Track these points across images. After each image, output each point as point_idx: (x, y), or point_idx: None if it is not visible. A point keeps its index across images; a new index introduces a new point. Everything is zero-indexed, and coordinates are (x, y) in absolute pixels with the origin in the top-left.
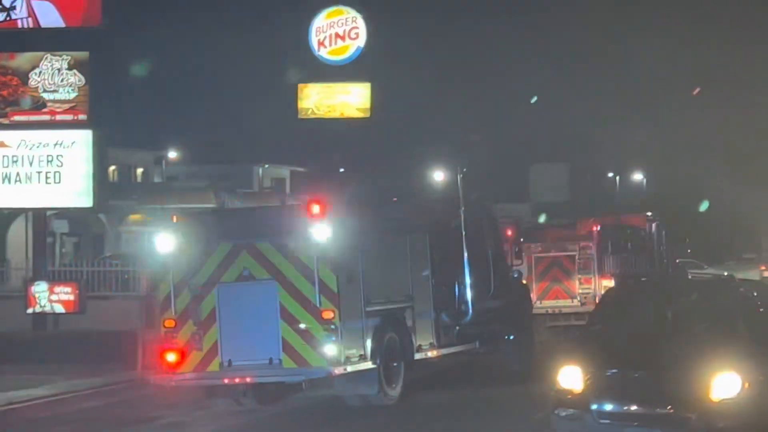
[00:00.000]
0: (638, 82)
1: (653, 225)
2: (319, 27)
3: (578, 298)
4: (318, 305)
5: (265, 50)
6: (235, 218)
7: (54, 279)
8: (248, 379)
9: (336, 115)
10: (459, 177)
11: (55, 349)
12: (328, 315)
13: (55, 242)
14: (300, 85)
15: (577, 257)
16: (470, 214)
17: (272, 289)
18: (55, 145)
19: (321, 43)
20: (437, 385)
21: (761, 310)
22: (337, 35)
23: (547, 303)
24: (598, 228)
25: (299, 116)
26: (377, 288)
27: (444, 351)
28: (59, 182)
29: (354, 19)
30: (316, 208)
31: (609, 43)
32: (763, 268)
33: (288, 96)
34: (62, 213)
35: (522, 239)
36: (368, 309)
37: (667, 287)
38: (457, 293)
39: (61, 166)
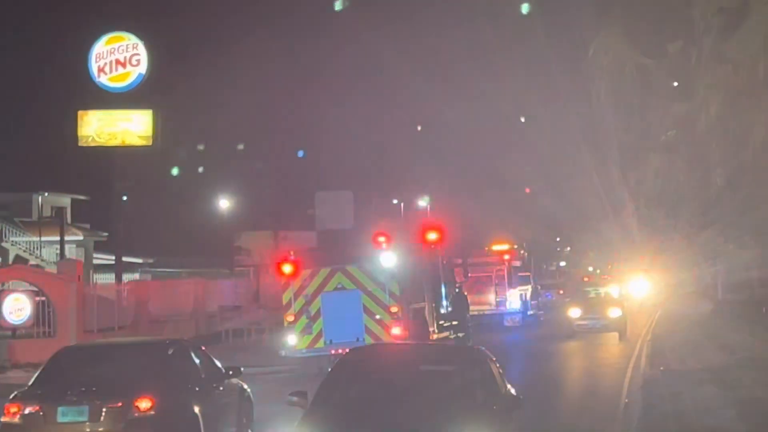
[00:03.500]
0: (422, 109)
1: (525, 254)
2: (99, 53)
3: (494, 304)
4: (388, 304)
5: (44, 75)
6: (330, 251)
7: None
8: (347, 350)
9: (117, 142)
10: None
11: None
12: (394, 309)
13: None
14: (80, 112)
15: (493, 277)
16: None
17: (357, 295)
18: None
19: (101, 70)
20: None
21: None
22: (117, 62)
23: (474, 308)
24: (508, 257)
25: (79, 144)
26: (414, 294)
27: (437, 336)
28: None
29: (135, 45)
30: (383, 242)
31: (395, 74)
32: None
33: (68, 123)
34: None
35: (468, 265)
36: (411, 307)
37: None
38: (440, 300)
39: None
